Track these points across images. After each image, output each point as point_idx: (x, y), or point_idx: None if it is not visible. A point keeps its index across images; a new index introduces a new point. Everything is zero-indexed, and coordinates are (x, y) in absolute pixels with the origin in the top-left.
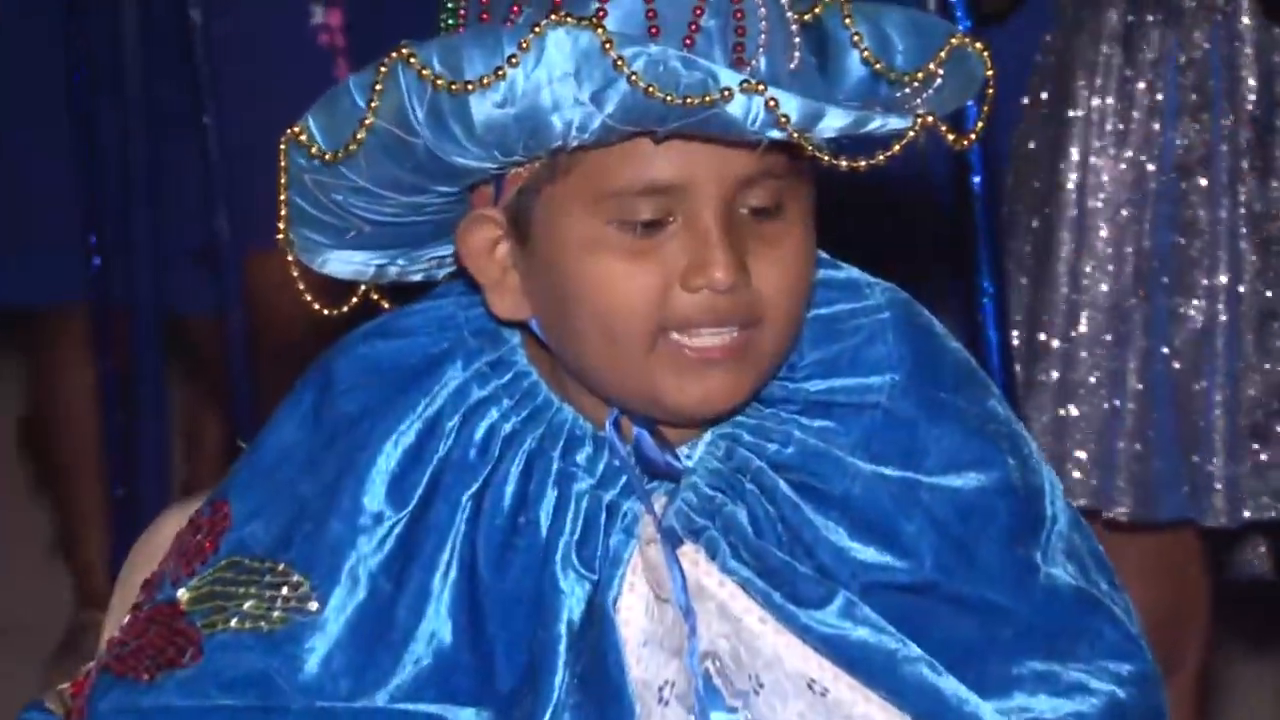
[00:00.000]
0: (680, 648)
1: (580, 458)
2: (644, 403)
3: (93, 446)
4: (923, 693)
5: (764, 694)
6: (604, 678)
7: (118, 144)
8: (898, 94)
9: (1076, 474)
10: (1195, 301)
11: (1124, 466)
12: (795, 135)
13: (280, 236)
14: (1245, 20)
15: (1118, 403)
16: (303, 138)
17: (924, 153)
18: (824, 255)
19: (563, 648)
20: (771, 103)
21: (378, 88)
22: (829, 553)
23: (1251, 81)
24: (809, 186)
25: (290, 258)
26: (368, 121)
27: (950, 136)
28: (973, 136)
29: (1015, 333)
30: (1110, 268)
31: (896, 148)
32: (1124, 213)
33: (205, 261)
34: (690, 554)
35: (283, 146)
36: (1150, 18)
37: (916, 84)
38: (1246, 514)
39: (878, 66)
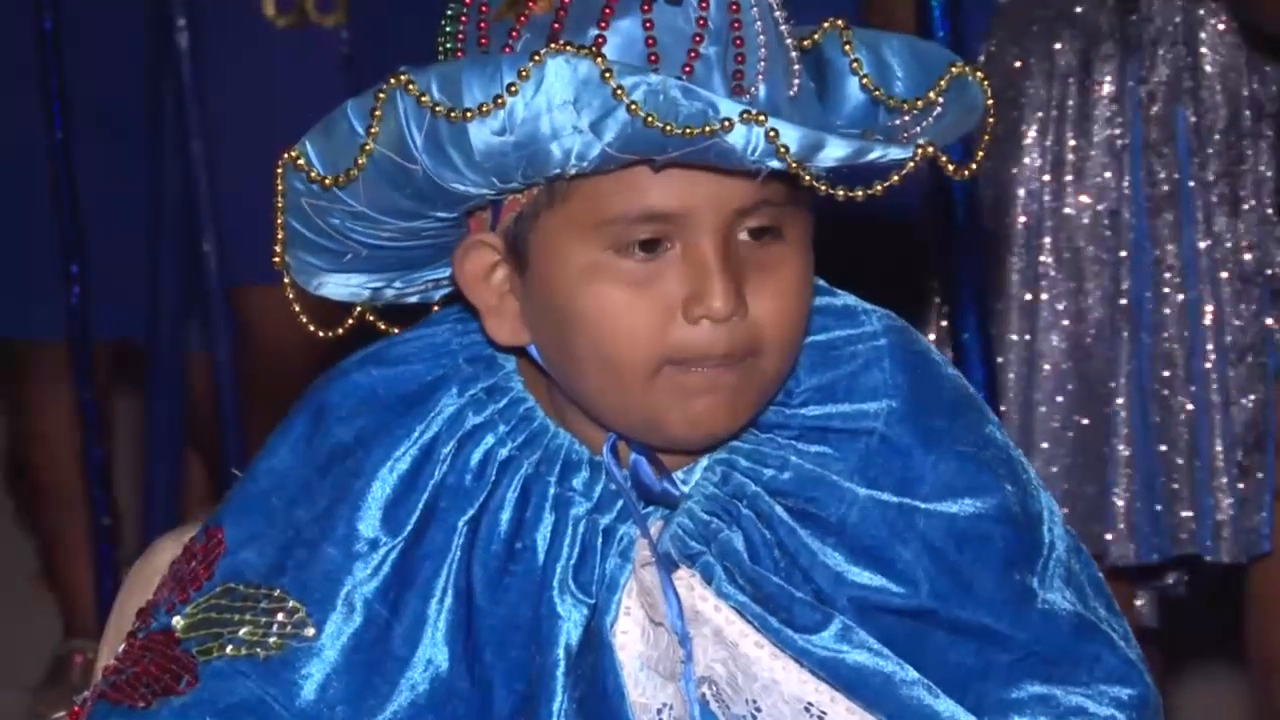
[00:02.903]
0: (675, 672)
1: (577, 482)
2: (644, 429)
3: (76, 476)
4: (921, 716)
5: (761, 718)
6: (603, 702)
7: (103, 173)
8: (896, 121)
9: None
10: (1168, 339)
11: (1119, 516)
12: (794, 166)
13: (276, 260)
14: (1207, 54)
15: (1103, 447)
16: (300, 162)
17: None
18: (821, 283)
19: (560, 673)
20: (772, 133)
21: (376, 114)
22: (825, 578)
23: (1219, 113)
24: (807, 215)
25: (286, 280)
26: (367, 147)
27: (950, 167)
28: (973, 167)
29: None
30: (1066, 318)
31: (896, 178)
32: (1089, 253)
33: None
34: (686, 579)
35: (279, 170)
36: (1106, 51)
37: (916, 112)
38: (1226, 558)
39: (876, 93)
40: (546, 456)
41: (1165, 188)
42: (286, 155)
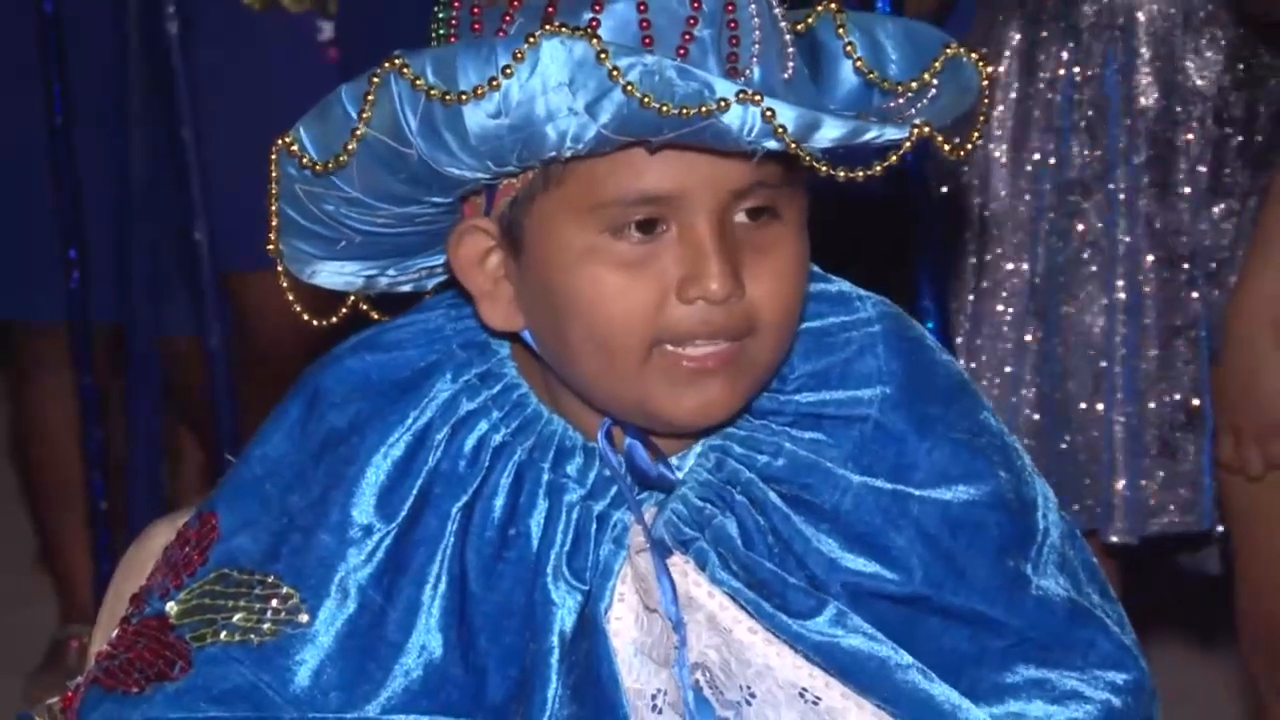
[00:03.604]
0: (669, 658)
1: (570, 469)
2: (638, 413)
3: (75, 462)
4: (915, 700)
5: (756, 704)
6: (597, 689)
7: (105, 162)
8: (891, 103)
9: None
10: (1089, 318)
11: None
12: (791, 146)
13: (270, 247)
14: (1142, 37)
15: (1014, 418)
16: (294, 148)
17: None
18: (815, 269)
19: (555, 659)
20: (768, 113)
21: (370, 98)
22: (819, 564)
23: (1151, 97)
24: (803, 195)
25: (280, 268)
26: (359, 131)
27: (946, 148)
28: (969, 147)
29: None
30: (1006, 287)
31: (893, 158)
32: (1023, 230)
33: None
34: (680, 565)
35: (273, 156)
36: (1048, 34)
37: (910, 94)
38: (1153, 528)
39: (870, 76)
40: (540, 442)
41: (1096, 168)
42: (280, 141)
